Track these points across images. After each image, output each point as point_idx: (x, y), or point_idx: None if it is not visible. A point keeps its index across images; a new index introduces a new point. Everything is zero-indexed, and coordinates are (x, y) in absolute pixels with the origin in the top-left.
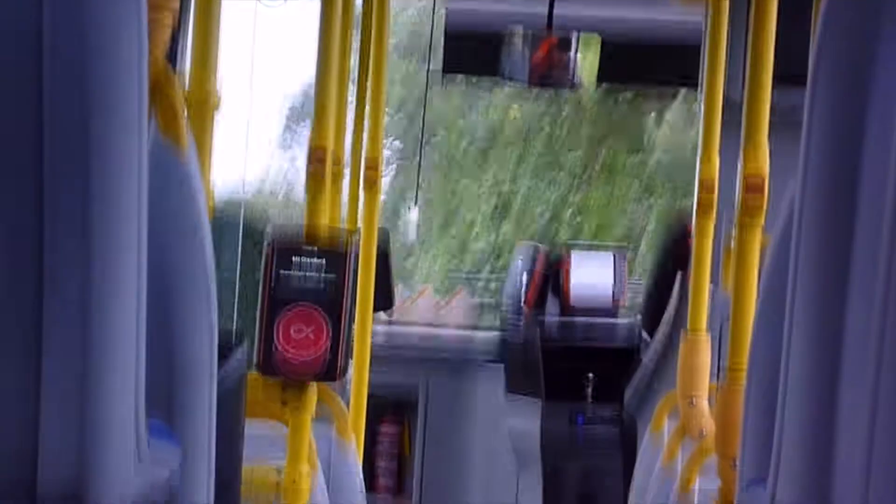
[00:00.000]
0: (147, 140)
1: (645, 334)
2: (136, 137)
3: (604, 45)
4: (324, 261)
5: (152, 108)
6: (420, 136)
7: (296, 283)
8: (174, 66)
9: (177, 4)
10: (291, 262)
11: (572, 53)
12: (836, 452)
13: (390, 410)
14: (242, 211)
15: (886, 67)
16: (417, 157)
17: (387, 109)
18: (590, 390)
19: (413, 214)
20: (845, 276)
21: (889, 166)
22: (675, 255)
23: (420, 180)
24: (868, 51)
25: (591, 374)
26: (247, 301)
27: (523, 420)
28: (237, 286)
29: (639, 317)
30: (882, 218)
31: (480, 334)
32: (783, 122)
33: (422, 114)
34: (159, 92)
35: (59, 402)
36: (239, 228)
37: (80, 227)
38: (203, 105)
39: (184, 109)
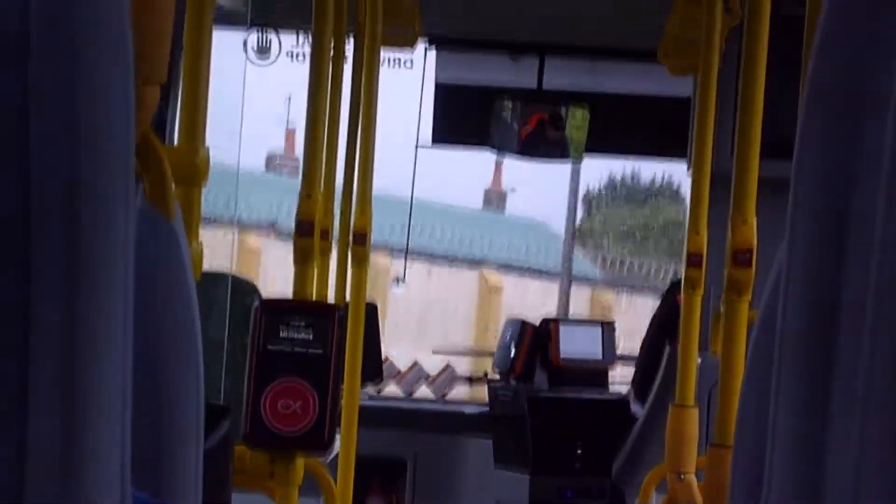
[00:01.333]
0: (134, 208)
1: (636, 406)
2: (123, 206)
3: (592, 116)
4: (311, 335)
5: (140, 178)
6: (409, 209)
7: (283, 356)
8: (162, 136)
9: (164, 77)
10: (279, 335)
11: (562, 127)
12: None
13: (378, 484)
14: (230, 281)
15: (873, 141)
16: (406, 231)
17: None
18: (578, 464)
19: (400, 290)
20: (832, 349)
21: (875, 238)
22: (664, 327)
23: (408, 256)
24: (855, 124)
25: (579, 448)
26: (234, 370)
27: (512, 494)
28: (225, 353)
29: (628, 389)
30: (867, 291)
31: (468, 408)
32: (772, 195)
33: (411, 185)
34: (147, 161)
35: (42, 471)
36: (226, 298)
37: (66, 291)
38: (191, 174)
39: (171, 179)
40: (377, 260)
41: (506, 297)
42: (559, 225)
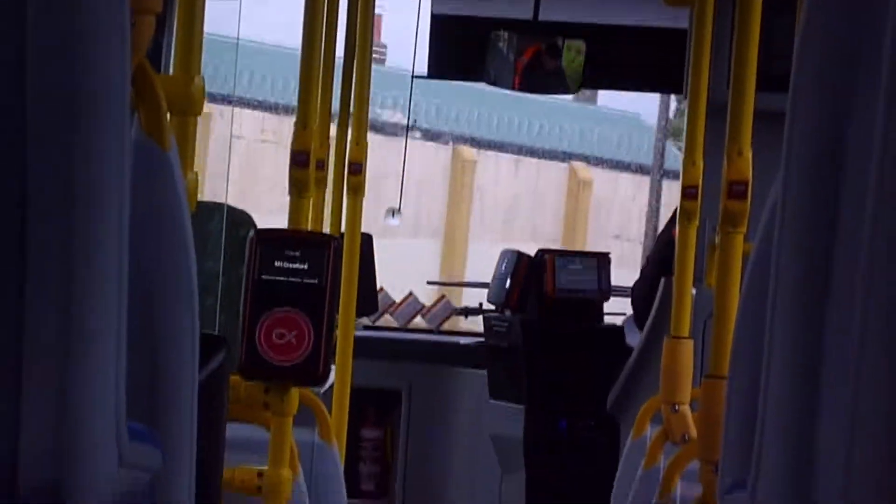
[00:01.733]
0: (130, 138)
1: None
2: (119, 135)
3: (588, 49)
4: (306, 265)
5: (136, 108)
6: (405, 140)
7: (278, 287)
8: (157, 67)
9: (159, 7)
10: (274, 265)
11: (558, 59)
12: (818, 456)
13: (373, 415)
14: (225, 211)
15: (868, 71)
16: (402, 162)
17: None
18: (573, 396)
19: (395, 222)
20: (826, 280)
21: (870, 169)
22: (659, 260)
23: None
24: (850, 55)
25: (574, 380)
26: (229, 301)
27: (506, 425)
28: (220, 284)
29: (623, 320)
30: (863, 221)
31: (463, 339)
32: (769, 128)
33: (406, 116)
34: (142, 92)
35: (39, 404)
36: (222, 228)
37: (62, 222)
38: (185, 105)
39: (166, 109)
40: (462, 151)
41: (596, 190)
42: (652, 117)
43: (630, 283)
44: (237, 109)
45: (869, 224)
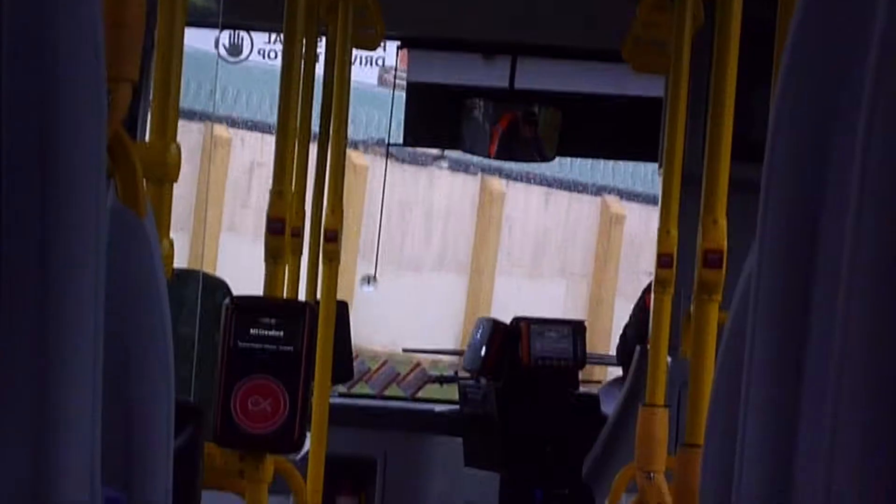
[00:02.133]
0: (106, 205)
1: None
2: (94, 203)
3: (564, 118)
4: (282, 332)
5: (111, 176)
6: (380, 209)
7: (253, 355)
8: (133, 135)
9: (136, 76)
10: (249, 333)
11: (534, 127)
12: None
13: (348, 482)
14: (201, 277)
15: (843, 140)
16: (377, 232)
17: None
18: (548, 464)
19: (369, 289)
20: (801, 354)
21: (845, 241)
22: (635, 329)
23: (378, 256)
24: (825, 125)
25: (549, 448)
26: (205, 368)
27: (482, 493)
28: (195, 351)
29: (599, 389)
30: (837, 294)
31: (438, 407)
32: (743, 198)
33: (382, 187)
34: (118, 160)
35: (12, 466)
36: (197, 295)
37: (36, 291)
38: (161, 172)
39: (142, 177)
40: (490, 183)
41: (628, 226)
42: None
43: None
44: (258, 135)
45: (843, 298)
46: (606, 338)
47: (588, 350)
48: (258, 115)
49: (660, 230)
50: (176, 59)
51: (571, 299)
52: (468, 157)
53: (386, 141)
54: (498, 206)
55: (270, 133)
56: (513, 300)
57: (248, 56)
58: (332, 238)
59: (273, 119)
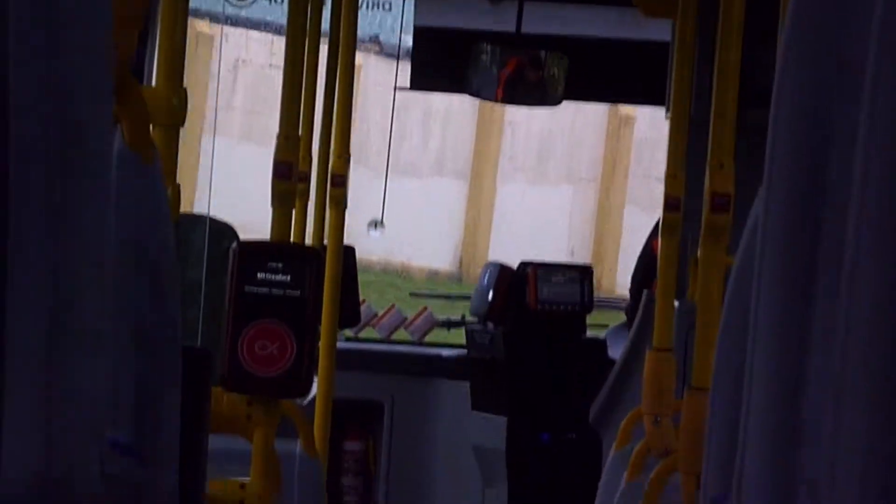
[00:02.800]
0: (113, 150)
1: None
2: (101, 148)
3: (570, 62)
4: (289, 277)
5: (118, 121)
6: (387, 152)
7: (260, 299)
8: (140, 79)
9: (141, 21)
10: (256, 277)
11: (540, 71)
12: (800, 467)
13: (355, 427)
14: (208, 223)
15: (851, 82)
16: (384, 175)
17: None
18: (555, 408)
19: (376, 234)
20: (809, 291)
21: (853, 182)
22: (642, 273)
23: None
24: (833, 67)
25: (556, 392)
26: (212, 313)
27: (489, 437)
28: (202, 296)
29: (605, 332)
30: (846, 232)
31: (446, 351)
32: (751, 143)
33: (389, 129)
34: (125, 104)
35: (22, 413)
36: (204, 241)
37: (45, 230)
38: (167, 117)
39: (148, 121)
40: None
41: (638, 128)
42: None
43: None
44: (242, 31)
45: (852, 235)
46: (615, 249)
47: (595, 271)
48: (243, 12)
49: (667, 174)
50: (181, 3)
51: (578, 206)
52: None
53: (394, 85)
54: (498, 108)
55: (258, 30)
56: (516, 208)
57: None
58: (339, 182)
59: (261, 15)
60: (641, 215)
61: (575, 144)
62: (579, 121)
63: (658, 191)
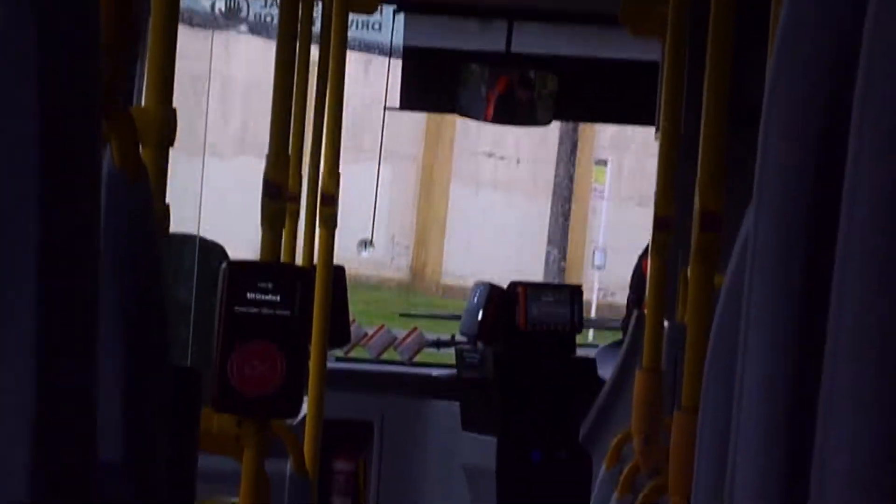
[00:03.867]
0: (101, 170)
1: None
2: (89, 169)
3: (560, 81)
4: (279, 297)
5: (107, 140)
6: (377, 172)
7: (250, 319)
8: (130, 99)
9: (131, 39)
10: (246, 297)
11: (530, 91)
12: (791, 489)
13: (345, 447)
14: (197, 242)
15: (840, 103)
16: (374, 195)
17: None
18: (545, 428)
19: (367, 255)
20: (799, 311)
21: (843, 203)
22: (632, 293)
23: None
24: (822, 86)
25: (546, 412)
26: (202, 333)
27: (479, 457)
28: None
29: (594, 353)
30: (835, 253)
31: (436, 371)
32: (741, 163)
33: (378, 149)
34: (114, 124)
35: (5, 440)
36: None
37: (32, 251)
38: (157, 137)
39: (138, 141)
40: None
41: None
42: None
43: None
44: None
45: (842, 254)
46: (440, 234)
47: (419, 256)
48: None
49: (657, 194)
50: (171, 23)
51: (397, 186)
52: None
53: (383, 105)
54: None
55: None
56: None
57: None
58: (329, 202)
59: None
60: (470, 195)
61: (393, 117)
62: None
63: (486, 166)
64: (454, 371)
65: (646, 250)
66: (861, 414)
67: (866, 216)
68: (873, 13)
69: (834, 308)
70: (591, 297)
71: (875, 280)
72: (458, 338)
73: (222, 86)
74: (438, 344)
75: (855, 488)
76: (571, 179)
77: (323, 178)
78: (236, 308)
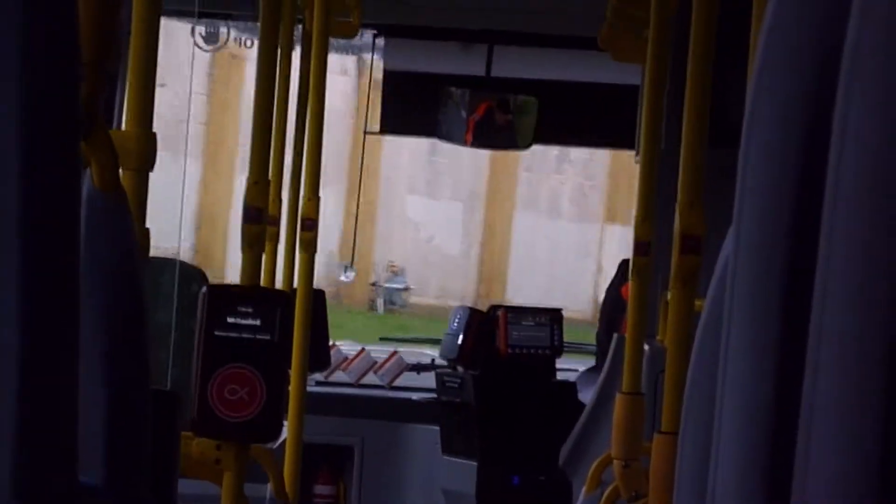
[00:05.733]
0: (81, 193)
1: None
2: (69, 190)
3: (540, 105)
4: (259, 321)
5: (88, 164)
6: (357, 196)
7: (230, 343)
8: (110, 122)
9: (111, 61)
10: (226, 321)
11: (510, 115)
12: None
13: (325, 471)
14: (178, 266)
15: (819, 124)
16: (354, 218)
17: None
18: (525, 452)
19: (348, 277)
20: (779, 334)
21: (822, 225)
22: (610, 317)
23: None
24: (801, 108)
25: (526, 436)
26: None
27: (459, 481)
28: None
29: (574, 377)
30: (814, 275)
31: (416, 395)
32: (721, 185)
33: (360, 171)
34: (94, 147)
35: None
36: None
37: (12, 275)
38: (137, 160)
39: (117, 164)
40: None
41: (251, 70)
42: None
43: None
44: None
45: (821, 276)
46: (223, 240)
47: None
48: None
49: (637, 218)
50: (151, 46)
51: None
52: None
53: (364, 128)
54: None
55: None
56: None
57: (226, 43)
58: (309, 226)
59: None
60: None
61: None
62: (169, 58)
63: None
64: (434, 395)
65: (617, 274)
66: (841, 435)
67: (847, 237)
68: (853, 36)
69: (814, 331)
70: None
71: (855, 302)
72: (438, 361)
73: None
74: (419, 368)
75: None
76: None
77: (303, 203)
78: (216, 332)
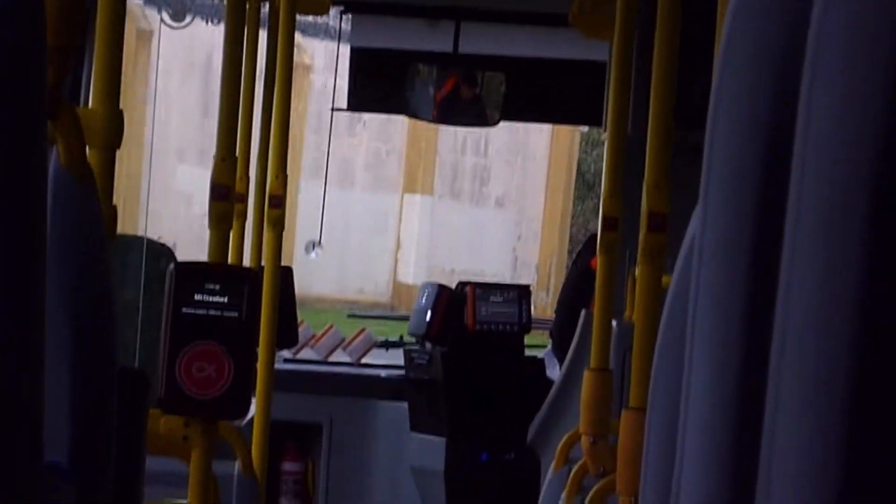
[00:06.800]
0: (47, 171)
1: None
2: (35, 169)
3: (508, 82)
4: (226, 298)
5: (54, 142)
6: (325, 174)
7: (198, 321)
8: (77, 101)
9: (78, 41)
10: (194, 299)
11: (477, 91)
12: (737, 486)
13: (293, 448)
14: (145, 244)
15: (787, 100)
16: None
17: None
18: (494, 428)
19: (315, 255)
20: (745, 310)
21: (788, 199)
22: (578, 293)
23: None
24: (769, 84)
25: (494, 413)
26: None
27: (427, 458)
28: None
29: (542, 354)
30: (780, 252)
31: (384, 372)
32: (688, 164)
33: (327, 151)
34: (60, 125)
35: None
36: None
37: None
38: (104, 139)
39: (84, 143)
40: None
41: (154, 46)
42: None
43: None
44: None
45: (787, 254)
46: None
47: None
48: None
49: (604, 194)
50: (118, 24)
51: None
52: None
53: (332, 105)
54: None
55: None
56: None
57: (192, 21)
58: (276, 204)
59: None
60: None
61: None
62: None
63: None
64: (402, 372)
65: (581, 251)
66: (808, 412)
67: (812, 217)
68: (818, 12)
69: (780, 307)
70: None
71: (821, 280)
72: (407, 338)
73: None
74: (387, 345)
75: (801, 487)
76: None
77: (270, 180)
78: (184, 309)
